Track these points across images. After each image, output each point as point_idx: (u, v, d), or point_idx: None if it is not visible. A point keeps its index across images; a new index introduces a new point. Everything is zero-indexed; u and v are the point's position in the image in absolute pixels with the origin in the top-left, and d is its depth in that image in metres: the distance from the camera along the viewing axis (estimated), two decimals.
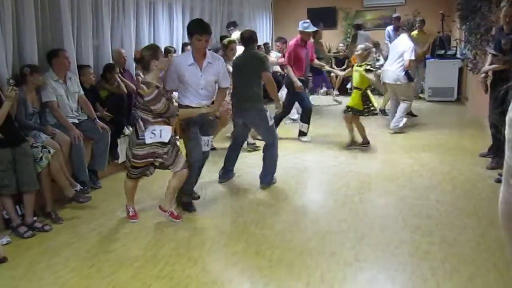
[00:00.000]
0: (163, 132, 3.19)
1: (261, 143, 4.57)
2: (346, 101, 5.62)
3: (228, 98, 4.32)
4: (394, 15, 8.86)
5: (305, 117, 5.82)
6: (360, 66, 5.15)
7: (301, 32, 5.61)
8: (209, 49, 3.73)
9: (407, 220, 3.28)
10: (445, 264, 2.63)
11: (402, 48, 5.96)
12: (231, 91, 4.19)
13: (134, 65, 5.37)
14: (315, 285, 2.47)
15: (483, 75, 4.39)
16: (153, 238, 3.17)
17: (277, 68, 7.85)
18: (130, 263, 2.78)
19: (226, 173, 4.33)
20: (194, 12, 7.11)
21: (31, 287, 2.56)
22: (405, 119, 6.18)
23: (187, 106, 3.50)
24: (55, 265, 2.78)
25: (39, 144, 3.49)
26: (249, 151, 5.23)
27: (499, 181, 3.78)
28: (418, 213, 3.41)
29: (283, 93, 6.35)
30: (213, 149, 4.94)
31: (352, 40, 9.18)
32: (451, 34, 8.68)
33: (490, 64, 4.27)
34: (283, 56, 7.56)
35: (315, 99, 8.36)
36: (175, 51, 6.09)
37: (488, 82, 4.34)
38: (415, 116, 7.07)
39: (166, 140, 3.22)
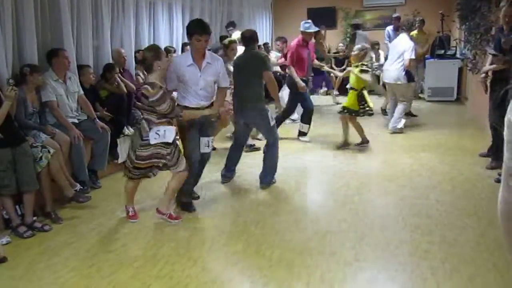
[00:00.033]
0: (167, 133, 3.19)
1: (260, 144, 4.58)
2: (344, 101, 5.61)
3: (229, 98, 4.31)
4: (394, 15, 8.85)
5: (306, 117, 5.81)
6: (356, 66, 5.15)
7: (303, 33, 5.58)
8: (209, 49, 3.72)
9: (407, 220, 3.29)
10: (445, 264, 2.63)
11: (402, 48, 5.95)
12: (232, 91, 4.19)
13: (134, 65, 5.37)
14: (315, 285, 2.47)
15: (483, 75, 4.39)
16: (153, 238, 3.18)
17: (277, 68, 7.85)
18: (130, 263, 2.78)
19: (229, 173, 4.33)
20: (194, 12, 7.11)
21: (31, 287, 2.56)
22: (404, 120, 6.16)
23: (186, 107, 3.49)
24: (54, 265, 2.78)
25: (39, 144, 3.49)
26: (246, 151, 5.22)
27: (498, 181, 3.77)
28: (418, 213, 3.41)
29: (283, 93, 6.35)
30: (214, 149, 4.94)
31: (351, 40, 9.18)
32: (451, 34, 8.67)
33: (490, 64, 4.27)
34: (283, 55, 7.59)
35: (315, 99, 8.34)
36: (175, 51, 6.09)
37: (488, 82, 4.34)
38: (415, 116, 7.06)
39: (170, 141, 3.22)
